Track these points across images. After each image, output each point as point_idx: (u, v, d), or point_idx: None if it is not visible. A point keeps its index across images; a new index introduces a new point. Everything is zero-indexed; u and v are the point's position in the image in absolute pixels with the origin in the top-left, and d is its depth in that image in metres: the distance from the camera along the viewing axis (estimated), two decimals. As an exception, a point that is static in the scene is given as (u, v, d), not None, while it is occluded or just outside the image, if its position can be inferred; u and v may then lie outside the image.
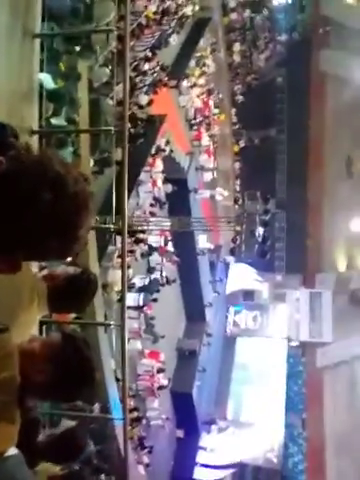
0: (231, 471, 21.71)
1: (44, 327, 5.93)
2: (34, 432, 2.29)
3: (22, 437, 1.66)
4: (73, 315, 5.59)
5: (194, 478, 19.51)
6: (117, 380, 9.13)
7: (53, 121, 6.25)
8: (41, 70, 5.60)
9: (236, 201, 22.13)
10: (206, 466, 20.08)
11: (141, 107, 11.88)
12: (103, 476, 8.45)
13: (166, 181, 15.86)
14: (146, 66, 12.26)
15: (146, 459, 14.10)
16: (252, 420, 23.23)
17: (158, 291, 14.76)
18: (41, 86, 5.59)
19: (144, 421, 14.75)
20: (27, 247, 1.19)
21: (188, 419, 19.24)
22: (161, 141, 15.10)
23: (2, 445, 1.60)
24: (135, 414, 13.15)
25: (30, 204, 1.12)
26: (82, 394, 1.83)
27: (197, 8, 20.00)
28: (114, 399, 8.55)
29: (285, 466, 22.99)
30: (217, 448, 21.10)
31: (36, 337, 1.89)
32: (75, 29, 7.25)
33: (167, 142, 15.51)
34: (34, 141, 5.24)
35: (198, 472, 19.69)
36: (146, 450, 14.20)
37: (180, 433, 19.44)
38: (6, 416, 1.56)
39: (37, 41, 5.26)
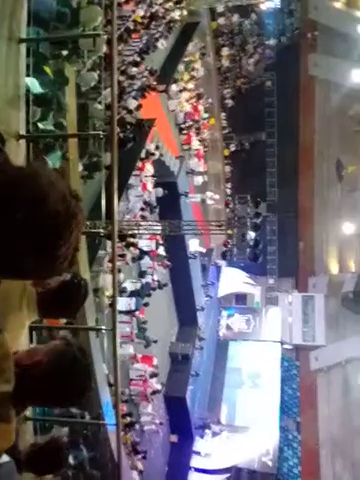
0: (226, 476, 21.63)
1: (34, 332, 5.90)
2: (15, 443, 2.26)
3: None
4: (64, 320, 5.56)
5: (189, 483, 19.43)
6: (109, 385, 9.07)
7: (40, 126, 6.22)
8: (28, 75, 5.58)
9: (227, 205, 22.17)
10: (200, 471, 20.00)
11: (130, 111, 11.89)
12: (96, 483, 8.37)
13: (156, 185, 15.87)
14: (134, 70, 12.27)
15: (140, 464, 14.00)
16: (246, 424, 23.18)
17: (150, 295, 14.72)
18: (28, 91, 5.56)
19: (137, 426, 14.66)
20: (1, 265, 1.17)
21: (182, 424, 19.18)
22: (151, 145, 15.11)
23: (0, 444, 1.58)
24: (128, 419, 13.08)
25: (2, 222, 1.10)
26: (77, 401, 1.81)
27: (185, 13, 20.10)
28: (107, 404, 8.49)
29: (280, 470, 22.95)
30: (211, 453, 21.03)
31: (36, 347, 1.88)
32: (61, 34, 7.24)
33: (157, 147, 15.53)
34: (21, 146, 5.21)
35: (192, 477, 19.61)
36: (140, 455, 14.11)
37: (174, 438, 19.37)
38: (2, 414, 1.54)
39: (23, 46, 5.23)
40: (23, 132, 5.27)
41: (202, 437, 21.32)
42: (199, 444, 20.85)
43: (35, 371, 1.63)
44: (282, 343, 26.93)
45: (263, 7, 27.80)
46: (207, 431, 21.68)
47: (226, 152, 28.80)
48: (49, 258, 1.16)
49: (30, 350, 1.74)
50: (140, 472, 13.93)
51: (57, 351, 1.69)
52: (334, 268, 28.55)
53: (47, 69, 6.42)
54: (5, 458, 1.75)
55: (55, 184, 1.15)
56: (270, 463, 22.44)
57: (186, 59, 21.50)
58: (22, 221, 1.10)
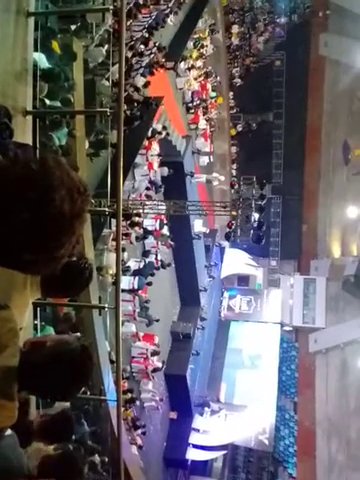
0: (223, 452, 22.04)
1: (38, 309, 5.95)
2: (25, 412, 2.31)
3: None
4: (68, 298, 5.60)
5: (186, 459, 19.80)
6: (111, 362, 9.18)
7: (47, 101, 6.16)
8: (35, 49, 5.50)
9: (232, 186, 22.05)
10: (198, 447, 20.36)
11: (138, 89, 11.74)
12: (97, 456, 8.55)
13: (162, 164, 15.76)
14: (143, 47, 12.08)
15: (139, 440, 14.27)
16: (245, 403, 23.51)
17: (153, 274, 14.76)
18: (35, 66, 5.49)
19: (138, 403, 14.88)
20: (2, 255, 1.17)
21: (182, 401, 19.45)
22: (158, 124, 14.96)
23: (3, 421, 1.61)
24: (129, 396, 13.26)
25: (7, 218, 1.10)
26: (68, 395, 1.83)
27: (196, -12, 19.68)
28: (108, 381, 8.61)
29: (276, 448, 23.36)
30: (210, 430, 21.37)
31: (49, 335, 1.90)
32: (70, 8, 7.11)
33: (164, 127, 15.37)
34: (28, 122, 5.16)
35: (190, 453, 19.98)
36: (139, 431, 14.36)
37: (173, 415, 19.68)
38: (7, 392, 1.56)
39: (31, 20, 5.14)
40: (30, 108, 5.22)
41: (201, 415, 21.65)
42: (198, 421, 21.18)
43: (36, 356, 1.65)
44: (282, 325, 27.13)
45: (275, -16, 27.21)
46: (206, 409, 22.00)
47: (233, 131, 28.52)
48: (49, 257, 1.18)
49: (42, 336, 1.76)
50: (139, 447, 14.19)
51: (62, 343, 1.70)
52: (336, 252, 28.56)
53: (55, 45, 6.32)
54: (8, 431, 1.78)
55: (64, 181, 1.14)
56: (266, 441, 22.83)
57: (195, 36, 21.12)
58: (27, 221, 1.10)
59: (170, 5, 15.17)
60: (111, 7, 7.09)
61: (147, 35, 12.46)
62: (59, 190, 1.12)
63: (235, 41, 26.49)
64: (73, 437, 6.79)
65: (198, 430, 20.91)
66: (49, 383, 1.68)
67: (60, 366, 1.65)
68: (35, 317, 5.81)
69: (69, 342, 1.70)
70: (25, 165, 1.12)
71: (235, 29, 26.04)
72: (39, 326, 6.27)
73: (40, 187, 1.11)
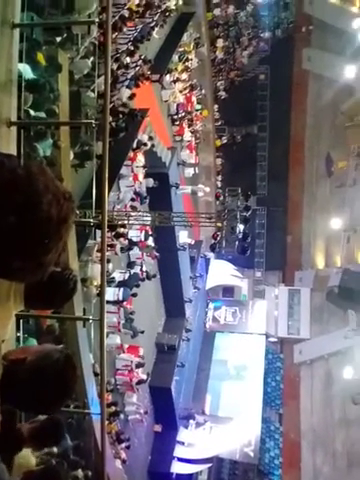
0: (208, 465, 21.86)
1: (21, 321, 5.88)
2: (13, 421, 2.29)
3: (2, 426, 1.65)
4: (51, 309, 5.55)
5: (171, 472, 19.59)
6: (95, 375, 9.09)
7: (32, 112, 6.15)
8: (20, 60, 5.50)
9: (217, 197, 22.18)
10: (183, 460, 20.16)
11: (124, 105, 11.78)
12: (80, 471, 8.41)
13: (147, 175, 15.80)
14: (128, 59, 12.16)
15: (123, 454, 14.09)
16: (230, 415, 23.40)
17: (138, 286, 14.71)
18: (20, 76, 5.49)
19: (122, 416, 14.73)
20: None
21: (166, 414, 19.30)
22: (143, 135, 15.02)
23: None
24: (113, 409, 13.12)
25: None
26: (50, 409, 1.82)
27: (181, 2, 19.91)
28: (92, 393, 8.51)
29: (262, 460, 23.24)
30: (195, 443, 21.20)
31: (30, 346, 1.88)
32: (56, 20, 7.14)
33: (150, 137, 15.44)
34: (13, 132, 5.15)
35: (175, 466, 19.78)
36: (124, 445, 14.19)
37: (158, 427, 19.50)
38: None
39: (16, 31, 5.15)
40: (14, 118, 5.21)
41: (186, 427, 21.49)
42: (183, 434, 21.01)
43: (18, 372, 1.63)
44: (267, 336, 27.17)
45: (259, -1, 27.70)
46: (191, 421, 21.85)
47: (218, 142, 28.76)
48: (36, 263, 1.17)
49: (23, 347, 1.75)
50: (124, 461, 14.02)
51: (44, 356, 1.69)
52: (320, 263, 28.81)
53: (40, 57, 6.33)
54: None
55: (50, 187, 1.14)
56: (252, 454, 22.70)
57: (180, 49, 21.34)
58: (14, 225, 1.10)
59: (155, 18, 15.31)
60: (97, 20, 7.15)
61: (132, 48, 12.55)
62: (46, 194, 1.12)
63: (220, 55, 26.80)
64: (56, 451, 6.68)
65: (183, 443, 20.73)
66: (33, 398, 1.66)
67: (44, 381, 1.63)
68: (18, 329, 5.75)
69: (51, 354, 1.68)
70: (11, 171, 1.12)
71: (220, 43, 26.36)
72: (22, 338, 6.20)
73: (27, 191, 1.11)
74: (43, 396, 1.66)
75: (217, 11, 25.56)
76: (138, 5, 13.22)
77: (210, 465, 21.98)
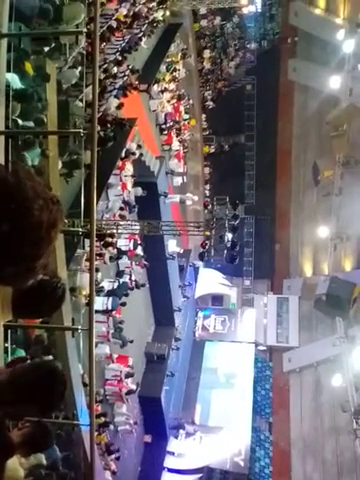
0: (198, 476, 21.70)
1: (9, 331, 5.82)
2: (3, 428, 2.27)
3: None
4: (40, 319, 5.50)
5: (161, 483, 19.42)
6: (84, 385, 9.01)
7: (20, 122, 6.15)
8: (8, 70, 5.51)
9: (205, 206, 22.27)
10: (173, 471, 20.02)
11: (114, 120, 11.80)
12: (69, 483, 8.30)
13: (136, 184, 15.83)
14: (116, 69, 12.22)
15: (113, 465, 13.94)
16: (220, 424, 23.30)
17: (127, 295, 14.66)
18: (8, 86, 5.49)
19: (112, 426, 14.59)
20: None
21: (156, 424, 19.17)
22: (132, 145, 15.07)
23: None
24: (102, 419, 13.00)
25: None
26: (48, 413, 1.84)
27: (168, 13, 20.11)
28: (81, 404, 8.43)
29: (252, 470, 23.14)
30: (185, 453, 21.07)
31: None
32: (43, 30, 7.16)
33: (139, 146, 15.49)
34: (0, 142, 5.14)
35: (165, 477, 19.62)
36: (113, 456, 14.03)
37: (148, 438, 19.34)
38: None
39: (4, 41, 5.16)
40: (2, 128, 5.21)
41: (176, 437, 21.35)
42: (173, 444, 20.87)
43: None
44: (256, 344, 27.18)
45: (245, 11, 28.03)
46: (181, 431, 21.72)
47: (206, 149, 28.94)
48: (28, 267, 1.18)
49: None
50: (113, 472, 13.86)
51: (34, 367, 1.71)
52: (308, 271, 28.99)
53: (28, 66, 6.34)
54: None
55: (39, 192, 1.16)
56: (242, 463, 22.60)
57: (168, 60, 21.52)
58: (6, 233, 1.11)
59: (143, 29, 15.44)
60: (85, 30, 7.19)
61: (120, 58, 12.62)
62: (36, 200, 1.13)
63: (207, 65, 27.08)
64: (45, 463, 6.60)
65: (173, 453, 20.59)
66: (27, 399, 1.67)
67: (31, 394, 1.64)
68: (6, 340, 5.69)
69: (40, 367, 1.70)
70: (1, 178, 1.13)
71: (207, 54, 26.64)
72: (10, 349, 6.13)
73: (18, 198, 1.12)
74: (28, 409, 1.67)
75: (204, 22, 25.86)
76: (126, 16, 13.33)
77: (200, 475, 21.82)
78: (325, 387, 24.07)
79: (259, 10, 28.97)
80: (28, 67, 6.54)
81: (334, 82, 26.06)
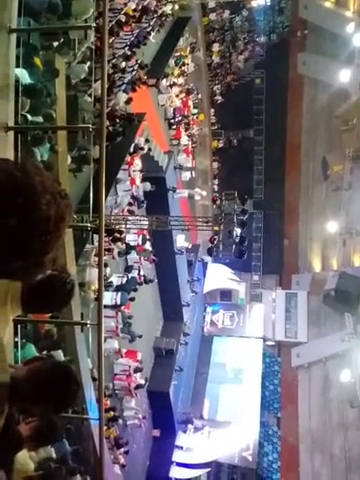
0: (206, 470, 21.79)
1: (19, 326, 5.86)
2: (11, 421, 2.29)
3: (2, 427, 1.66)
4: (49, 314, 5.53)
5: (170, 477, 19.51)
6: (93, 379, 9.06)
7: (30, 117, 6.16)
8: (17, 65, 5.51)
9: (214, 201, 22.22)
10: (182, 465, 20.10)
11: (122, 114, 11.78)
12: (79, 476, 8.37)
13: (144, 179, 15.81)
14: (124, 64, 12.18)
15: (122, 459, 14.03)
16: (228, 419, 23.35)
17: (136, 290, 14.69)
18: (17, 81, 5.50)
19: (120, 421, 14.67)
20: None
21: (165, 418, 19.24)
22: (140, 139, 15.04)
23: None
24: (111, 414, 13.07)
25: None
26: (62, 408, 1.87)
27: (177, 7, 20.01)
28: (90, 398, 8.48)
29: (260, 465, 23.19)
30: (193, 447, 21.15)
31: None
32: (53, 25, 7.15)
33: (147, 140, 15.46)
34: (10, 137, 5.15)
35: (174, 471, 19.71)
36: (122, 450, 14.12)
37: (156, 432, 19.43)
38: None
39: (13, 36, 5.16)
40: (12, 123, 5.21)
41: (184, 432, 21.43)
42: (181, 439, 20.96)
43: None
44: (265, 339, 27.16)
45: (254, 4, 27.83)
46: (189, 426, 21.80)
47: (215, 144, 28.84)
48: (37, 262, 1.18)
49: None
50: (122, 466, 13.96)
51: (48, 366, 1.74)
52: (317, 266, 28.86)
53: (37, 61, 6.34)
54: None
55: (47, 186, 1.15)
56: (250, 458, 22.66)
57: (177, 54, 21.42)
58: (15, 227, 1.10)
59: (152, 23, 15.37)
60: (93, 25, 7.17)
61: (129, 52, 12.58)
62: (44, 194, 1.13)
63: (216, 59, 26.92)
64: (54, 456, 6.65)
65: (181, 448, 20.68)
66: (43, 397, 1.69)
67: (45, 391, 1.67)
68: (16, 334, 5.73)
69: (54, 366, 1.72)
70: (9, 173, 1.13)
71: (216, 47, 26.48)
72: (20, 343, 6.17)
73: (26, 193, 1.11)
74: (43, 406, 1.69)
75: (213, 16, 25.69)
76: (134, 10, 13.27)
77: (209, 470, 21.93)
78: (333, 382, 24.02)
79: (268, 3, 28.74)
80: (37, 62, 6.53)
81: (344, 76, 25.83)
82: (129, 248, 14.37)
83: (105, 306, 11.47)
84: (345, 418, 22.91)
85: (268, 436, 24.25)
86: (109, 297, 12.89)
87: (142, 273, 15.72)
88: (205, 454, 21.35)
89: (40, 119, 6.54)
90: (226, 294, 28.58)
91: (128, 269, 15.24)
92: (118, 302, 13.23)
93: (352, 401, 21.56)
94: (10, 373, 1.60)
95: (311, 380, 25.52)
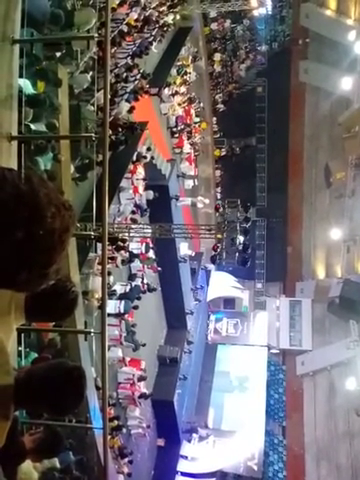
0: (212, 480, 21.62)
1: (22, 335, 5.86)
2: (15, 431, 2.29)
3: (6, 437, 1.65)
4: (52, 323, 5.53)
5: (175, 487, 19.38)
6: (97, 388, 9.02)
7: (33, 127, 6.20)
8: (21, 76, 5.56)
9: (217, 209, 22.25)
10: (187, 475, 19.95)
11: (124, 124, 11.85)
12: (82, 486, 8.31)
13: (147, 188, 15.86)
14: (126, 73, 12.28)
15: (126, 468, 13.93)
16: (233, 428, 23.19)
17: (139, 298, 14.68)
18: (21, 91, 5.55)
19: (125, 430, 14.59)
20: None
21: (169, 427, 19.12)
22: (142, 148, 15.11)
23: None
24: (115, 423, 13.01)
25: (2, 239, 1.11)
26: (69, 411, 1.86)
27: (178, 17, 20.17)
28: (94, 407, 8.44)
29: (265, 474, 22.99)
30: (198, 457, 20.99)
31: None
32: (55, 35, 7.22)
33: (149, 149, 15.53)
34: (13, 147, 5.18)
35: (178, 481, 19.58)
36: (126, 459, 14.03)
37: (161, 442, 19.30)
38: (3, 412, 1.55)
39: (16, 47, 5.21)
40: (15, 133, 5.25)
41: (189, 441, 21.28)
42: (186, 448, 20.81)
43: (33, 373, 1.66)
44: (269, 347, 27.03)
45: (255, 13, 28.00)
46: (194, 435, 21.65)
47: (217, 152, 28.93)
48: (40, 274, 1.19)
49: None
50: (129, 475, 13.87)
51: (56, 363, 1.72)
52: (321, 273, 28.77)
53: (40, 86, 6.40)
54: None
55: (52, 199, 1.16)
56: (255, 467, 22.46)
57: (179, 63, 21.58)
58: (20, 240, 1.11)
59: (154, 33, 15.50)
60: (96, 35, 7.23)
61: (131, 62, 12.68)
62: (49, 207, 1.14)
63: (217, 68, 27.09)
64: (58, 466, 6.61)
65: (186, 457, 20.53)
66: (48, 399, 1.69)
67: (59, 383, 1.67)
68: (19, 343, 5.73)
69: (63, 364, 1.72)
70: (14, 185, 1.14)
71: (217, 57, 26.66)
72: (23, 352, 6.17)
73: (31, 206, 1.12)
74: (59, 398, 1.69)
75: (214, 25, 25.89)
76: (136, 20, 13.39)
77: (214, 479, 21.74)
78: (339, 391, 23.85)
79: (269, 12, 28.89)
80: (40, 87, 6.58)
81: (346, 83, 25.92)
82: (132, 256, 14.38)
83: (108, 314, 11.44)
84: (351, 426, 22.73)
85: (273, 445, 24.05)
86: (113, 305, 12.88)
87: (145, 281, 15.71)
88: (210, 464, 21.18)
89: (43, 128, 6.59)
90: (230, 302, 28.50)
91: (131, 277, 15.24)
92: (122, 310, 13.22)
93: (358, 409, 21.41)
94: (14, 376, 1.60)
95: (316, 388, 25.35)
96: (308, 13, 27.63)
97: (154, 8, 15.38)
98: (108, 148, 4.83)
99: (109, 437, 11.21)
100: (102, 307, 5.00)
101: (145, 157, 15.07)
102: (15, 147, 5.18)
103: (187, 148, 22.88)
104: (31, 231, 1.12)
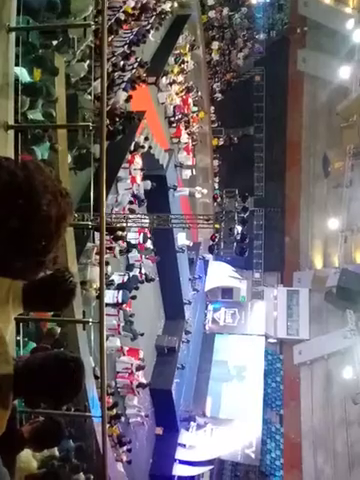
0: (209, 467, 21.83)
1: (21, 324, 5.87)
2: (14, 422, 2.30)
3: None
4: (51, 312, 5.54)
5: (173, 475, 19.54)
6: (96, 377, 9.07)
7: (30, 116, 6.16)
8: (17, 64, 5.51)
9: (215, 199, 22.22)
10: (185, 463, 20.13)
11: (122, 113, 11.77)
12: (82, 474, 8.38)
13: (145, 178, 15.81)
14: (124, 62, 12.18)
15: (125, 457, 14.06)
16: (231, 416, 23.38)
17: (137, 288, 14.70)
18: (17, 80, 5.50)
19: (123, 419, 14.69)
20: None
21: (167, 416, 19.27)
22: (140, 138, 15.04)
23: None
24: (114, 411, 13.09)
25: None
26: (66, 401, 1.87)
27: (176, 5, 19.98)
28: (93, 396, 8.50)
29: (263, 462, 23.24)
30: (196, 445, 21.18)
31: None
32: (52, 23, 7.15)
33: (146, 138, 15.46)
34: (10, 136, 5.15)
35: (177, 469, 19.74)
36: (125, 448, 14.15)
37: (159, 430, 19.46)
38: (2, 401, 1.55)
39: (12, 35, 5.16)
40: (12, 122, 5.22)
41: (187, 429, 21.46)
42: (184, 436, 20.98)
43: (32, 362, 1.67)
44: (267, 337, 27.18)
45: (253, 1, 27.78)
46: (192, 423, 21.82)
47: (215, 142, 28.82)
48: (37, 262, 1.19)
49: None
50: (128, 462, 14.00)
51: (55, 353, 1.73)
52: (319, 263, 28.84)
53: (37, 74, 6.34)
54: None
55: (48, 186, 1.16)
56: (253, 455, 22.69)
57: (176, 52, 21.40)
58: (16, 228, 1.11)
59: (151, 21, 15.34)
60: (92, 23, 7.15)
61: (128, 51, 12.57)
62: (45, 195, 1.13)
63: (215, 57, 26.88)
64: (57, 454, 6.66)
65: (184, 445, 20.70)
66: (46, 389, 1.70)
67: (57, 372, 1.68)
68: (18, 333, 5.73)
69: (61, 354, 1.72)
70: (11, 173, 1.13)
71: (215, 45, 26.44)
72: (22, 342, 6.18)
73: (27, 193, 1.12)
74: (57, 388, 1.70)
75: (212, 13, 25.65)
76: (134, 8, 13.25)
77: (212, 467, 21.96)
78: (336, 379, 24.03)
79: (267, 0, 28.66)
80: (37, 74, 6.52)
81: (344, 72, 25.78)
82: (130, 246, 14.38)
83: (107, 304, 11.48)
84: (348, 415, 22.93)
85: (271, 433, 24.28)
86: (111, 295, 12.90)
87: (143, 271, 15.73)
88: (208, 452, 21.38)
89: (40, 118, 6.55)
90: (227, 292, 28.60)
91: (129, 267, 15.26)
92: (120, 300, 13.24)
93: (354, 398, 21.57)
94: (13, 365, 1.61)
95: (313, 377, 25.54)
96: (306, 1, 27.40)
97: (151, -4, 15.20)
98: (105, 138, 4.81)
99: (108, 425, 11.30)
100: (100, 297, 5.01)
101: (143, 147, 14.99)
102: (12, 136, 5.15)
103: (185, 138, 22.78)
104: (27, 219, 1.11)
